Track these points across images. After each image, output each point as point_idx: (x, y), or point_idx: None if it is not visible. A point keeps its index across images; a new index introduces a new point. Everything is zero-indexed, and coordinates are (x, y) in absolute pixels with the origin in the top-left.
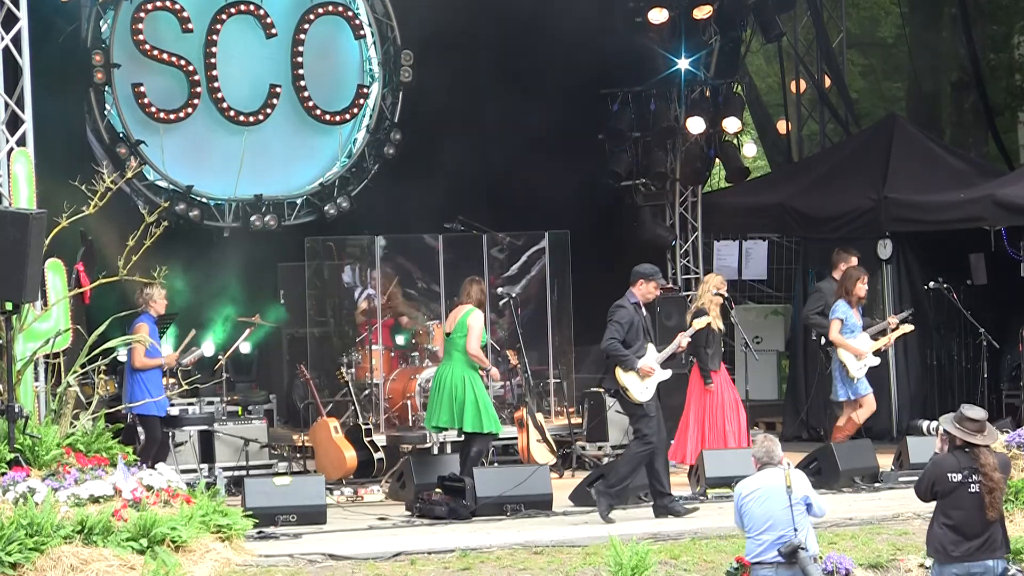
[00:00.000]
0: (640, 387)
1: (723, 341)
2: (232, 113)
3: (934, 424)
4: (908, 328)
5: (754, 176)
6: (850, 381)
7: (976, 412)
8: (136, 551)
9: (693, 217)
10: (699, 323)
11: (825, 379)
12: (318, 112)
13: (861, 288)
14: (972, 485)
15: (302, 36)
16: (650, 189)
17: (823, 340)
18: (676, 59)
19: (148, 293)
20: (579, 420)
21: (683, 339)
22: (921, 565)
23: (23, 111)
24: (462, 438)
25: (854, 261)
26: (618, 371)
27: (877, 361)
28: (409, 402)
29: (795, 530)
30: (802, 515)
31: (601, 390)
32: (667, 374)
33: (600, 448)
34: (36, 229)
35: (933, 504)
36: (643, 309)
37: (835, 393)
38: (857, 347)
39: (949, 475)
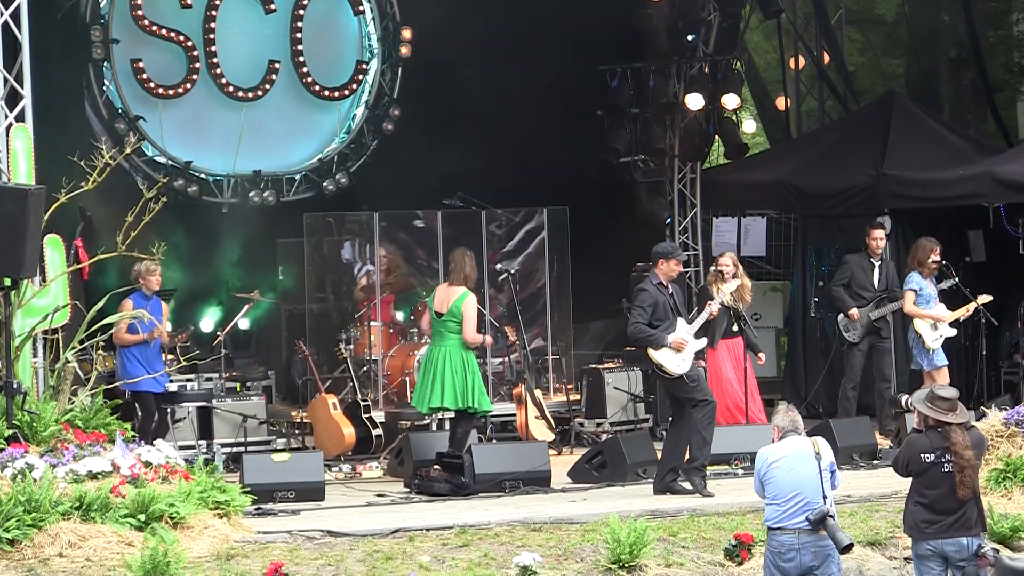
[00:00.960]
0: (675, 360)
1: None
2: (231, 89)
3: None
4: (986, 298)
5: (753, 152)
6: (926, 351)
7: (947, 391)
8: (134, 527)
9: (692, 194)
10: (728, 288)
11: (838, 355)
12: (317, 88)
13: (933, 259)
14: (945, 465)
15: (301, 12)
16: (649, 165)
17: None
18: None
19: (137, 270)
20: (578, 397)
21: (713, 307)
22: None
23: (22, 86)
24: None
25: (875, 232)
26: (650, 351)
27: (953, 332)
28: (408, 378)
29: (824, 497)
30: (827, 482)
31: (600, 367)
32: (702, 343)
33: (599, 425)
34: (35, 205)
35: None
36: (668, 288)
37: (914, 362)
38: (937, 314)
39: (922, 455)
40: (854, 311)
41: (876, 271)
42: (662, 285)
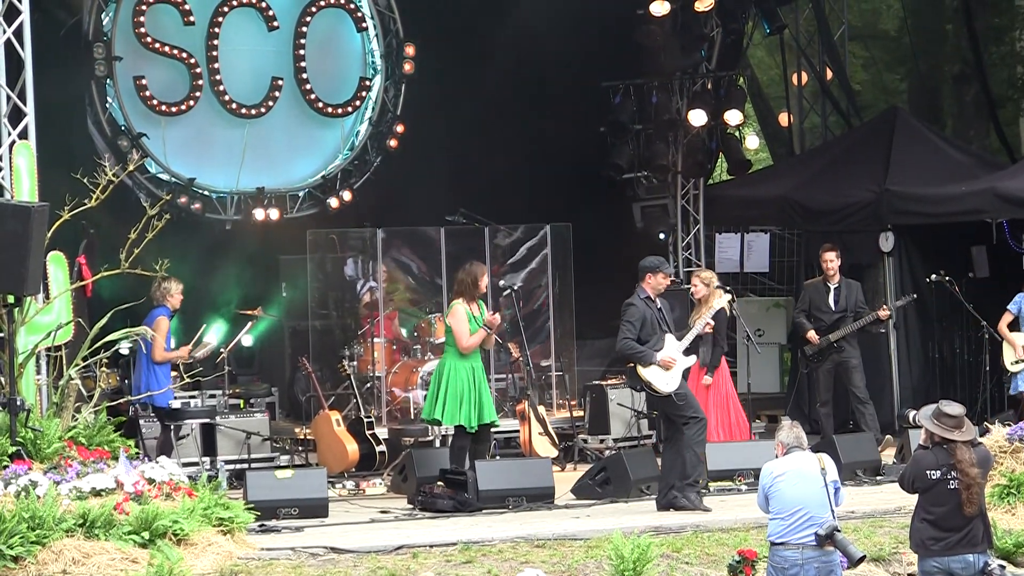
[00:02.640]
0: (664, 378)
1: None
2: (234, 106)
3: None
4: None
5: (756, 168)
6: (1011, 375)
7: (953, 408)
8: (138, 544)
9: (695, 210)
10: (719, 303)
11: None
12: (320, 105)
13: None
14: (951, 482)
15: (304, 29)
16: (652, 182)
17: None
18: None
19: (166, 287)
20: (581, 413)
21: (706, 320)
22: None
23: (25, 104)
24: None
25: (826, 255)
26: (639, 368)
27: None
28: (411, 395)
29: (832, 512)
30: (833, 498)
31: (603, 383)
32: (691, 360)
33: (602, 441)
34: (38, 222)
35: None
36: (656, 302)
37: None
38: (1010, 337)
39: (928, 472)
40: (811, 334)
41: (832, 293)
42: (650, 299)
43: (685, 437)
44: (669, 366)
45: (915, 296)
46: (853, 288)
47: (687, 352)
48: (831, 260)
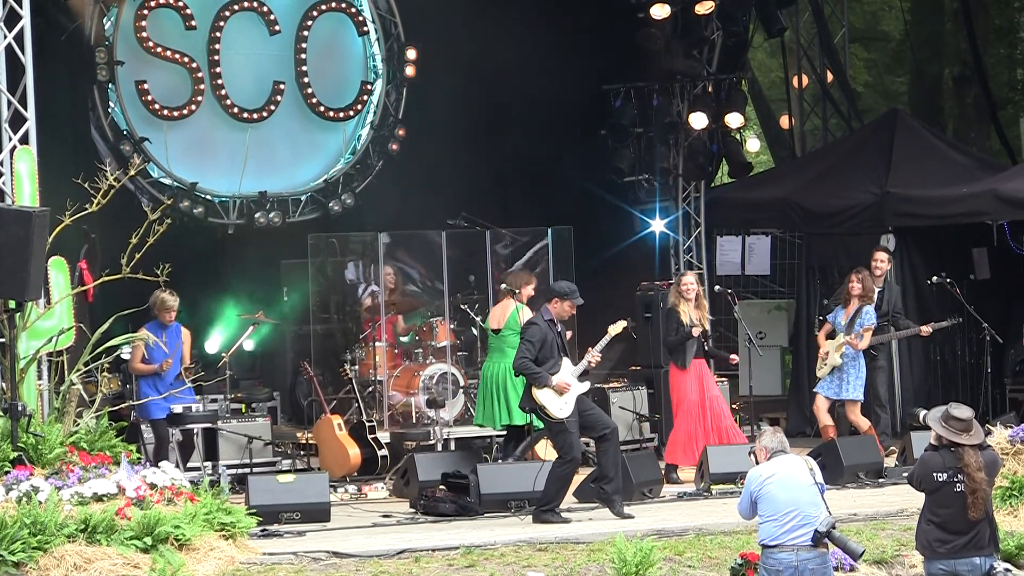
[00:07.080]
0: (557, 403)
1: (703, 336)
2: (236, 110)
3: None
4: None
5: (757, 171)
6: (818, 379)
7: (962, 411)
8: (140, 549)
9: (696, 213)
10: (614, 329)
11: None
12: (322, 109)
13: None
14: (957, 484)
15: (305, 33)
16: (653, 185)
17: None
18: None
19: (152, 301)
20: None
21: (595, 353)
22: None
23: (26, 109)
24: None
25: (878, 255)
26: (534, 390)
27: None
28: (413, 399)
29: (827, 510)
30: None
31: (605, 386)
32: (585, 387)
33: None
34: (39, 227)
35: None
36: (558, 326)
37: None
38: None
39: (935, 474)
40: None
41: (875, 295)
42: (552, 322)
43: (552, 467)
44: (564, 390)
45: (960, 319)
46: (894, 292)
47: (581, 378)
48: (882, 260)
